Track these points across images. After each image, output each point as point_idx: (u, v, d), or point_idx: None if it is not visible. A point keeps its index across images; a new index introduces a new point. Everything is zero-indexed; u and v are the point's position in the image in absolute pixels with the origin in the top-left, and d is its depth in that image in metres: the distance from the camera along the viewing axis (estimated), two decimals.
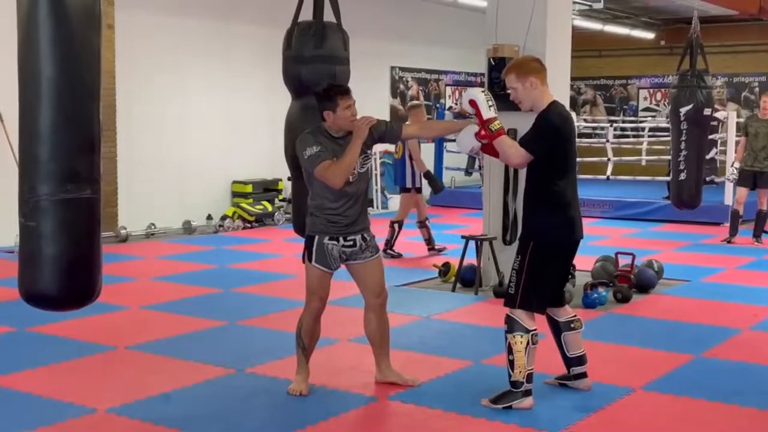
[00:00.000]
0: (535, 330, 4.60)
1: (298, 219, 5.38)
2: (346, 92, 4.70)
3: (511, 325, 4.58)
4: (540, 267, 4.57)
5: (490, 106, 4.50)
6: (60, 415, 4.52)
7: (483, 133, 4.54)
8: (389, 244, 9.45)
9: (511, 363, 4.57)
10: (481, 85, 6.63)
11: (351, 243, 4.80)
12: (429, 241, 9.64)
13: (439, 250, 9.56)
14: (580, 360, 4.91)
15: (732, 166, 10.38)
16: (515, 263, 4.64)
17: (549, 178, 4.55)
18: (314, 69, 5.03)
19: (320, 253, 4.78)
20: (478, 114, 4.52)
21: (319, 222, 4.78)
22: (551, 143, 4.52)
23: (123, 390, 4.91)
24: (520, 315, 4.58)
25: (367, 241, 4.86)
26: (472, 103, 4.52)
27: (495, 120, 4.49)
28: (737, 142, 10.91)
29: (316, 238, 4.78)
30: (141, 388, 4.92)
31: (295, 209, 5.47)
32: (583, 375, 4.94)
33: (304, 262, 4.87)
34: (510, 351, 4.57)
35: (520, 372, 4.56)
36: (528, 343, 4.55)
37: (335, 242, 4.77)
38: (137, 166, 11.06)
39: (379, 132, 4.82)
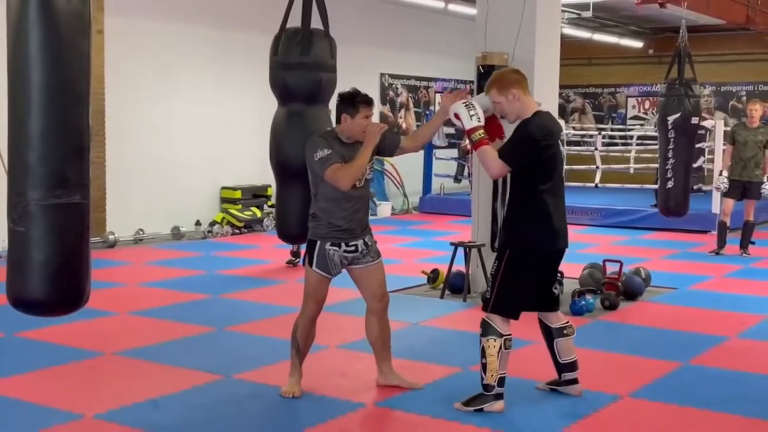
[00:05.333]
0: (509, 335, 4.65)
1: (283, 224, 5.38)
2: (368, 102, 4.74)
3: (486, 329, 4.64)
4: (515, 274, 4.61)
5: (471, 116, 4.55)
6: (47, 421, 4.50)
7: (468, 143, 4.63)
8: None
9: (484, 366, 4.63)
10: (471, 92, 6.68)
11: (353, 248, 4.82)
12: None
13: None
14: (572, 366, 4.94)
15: (720, 175, 10.32)
16: (492, 268, 4.71)
17: (530, 186, 4.59)
18: (299, 76, 5.04)
19: (321, 258, 4.79)
20: (462, 126, 4.60)
21: (321, 226, 4.78)
22: (529, 155, 4.56)
23: (110, 396, 4.89)
24: (495, 319, 4.63)
25: (368, 246, 4.88)
26: (456, 116, 4.60)
27: (477, 130, 4.54)
28: (724, 151, 10.85)
29: (318, 243, 4.79)
30: (128, 394, 4.91)
31: (279, 215, 5.46)
32: (575, 381, 4.96)
33: (304, 265, 4.88)
34: (483, 354, 4.63)
35: (492, 375, 4.61)
36: (501, 347, 4.60)
37: (336, 248, 4.78)
38: (126, 171, 11.03)
39: (378, 145, 4.83)
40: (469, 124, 4.56)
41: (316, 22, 5.11)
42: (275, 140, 5.21)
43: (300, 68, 5.04)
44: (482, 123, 4.57)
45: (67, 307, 3.52)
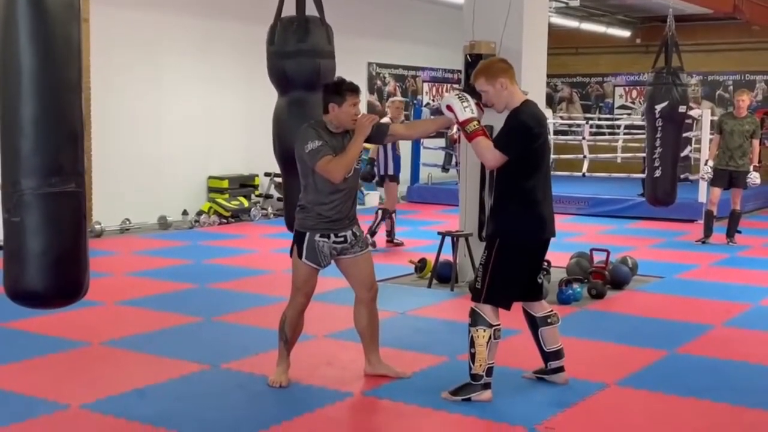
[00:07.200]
0: (499, 325, 4.65)
1: (290, 214, 5.35)
2: (354, 90, 4.72)
3: (475, 319, 4.63)
4: (505, 264, 4.61)
5: (465, 108, 4.57)
6: (32, 411, 4.49)
7: (462, 134, 4.64)
8: (390, 234, 9.92)
9: (473, 356, 4.63)
10: (458, 81, 6.66)
11: (342, 239, 4.81)
12: (390, 233, 9.99)
13: (397, 244, 9.92)
14: (557, 354, 4.95)
15: (706, 164, 10.34)
16: (482, 258, 4.70)
17: (518, 176, 4.59)
18: (298, 63, 5.02)
19: (311, 250, 4.78)
20: (456, 118, 4.61)
21: (310, 218, 4.77)
22: (523, 144, 4.56)
23: (97, 386, 4.88)
24: (485, 309, 4.62)
25: (357, 236, 4.89)
26: (449, 108, 4.62)
27: (471, 122, 4.56)
28: (711, 140, 10.89)
29: (307, 235, 4.78)
30: (115, 384, 4.90)
31: (286, 205, 5.44)
32: (561, 369, 4.97)
33: (291, 256, 4.87)
34: (472, 344, 4.63)
35: (481, 365, 4.62)
36: (490, 337, 4.60)
37: (326, 239, 4.77)
38: (112, 160, 10.97)
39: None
40: (462, 115, 4.56)
41: (307, 13, 5.09)
42: (278, 131, 5.17)
43: (298, 56, 5.01)
44: (475, 115, 4.57)
45: (65, 299, 3.47)
